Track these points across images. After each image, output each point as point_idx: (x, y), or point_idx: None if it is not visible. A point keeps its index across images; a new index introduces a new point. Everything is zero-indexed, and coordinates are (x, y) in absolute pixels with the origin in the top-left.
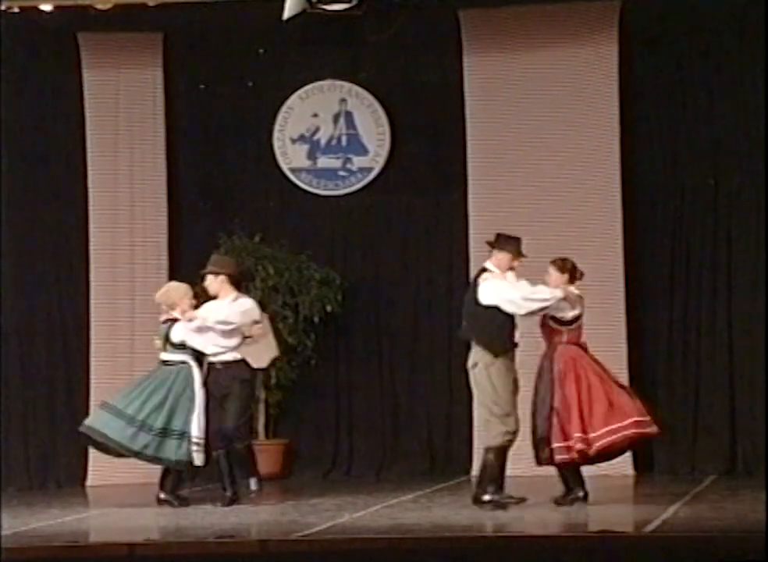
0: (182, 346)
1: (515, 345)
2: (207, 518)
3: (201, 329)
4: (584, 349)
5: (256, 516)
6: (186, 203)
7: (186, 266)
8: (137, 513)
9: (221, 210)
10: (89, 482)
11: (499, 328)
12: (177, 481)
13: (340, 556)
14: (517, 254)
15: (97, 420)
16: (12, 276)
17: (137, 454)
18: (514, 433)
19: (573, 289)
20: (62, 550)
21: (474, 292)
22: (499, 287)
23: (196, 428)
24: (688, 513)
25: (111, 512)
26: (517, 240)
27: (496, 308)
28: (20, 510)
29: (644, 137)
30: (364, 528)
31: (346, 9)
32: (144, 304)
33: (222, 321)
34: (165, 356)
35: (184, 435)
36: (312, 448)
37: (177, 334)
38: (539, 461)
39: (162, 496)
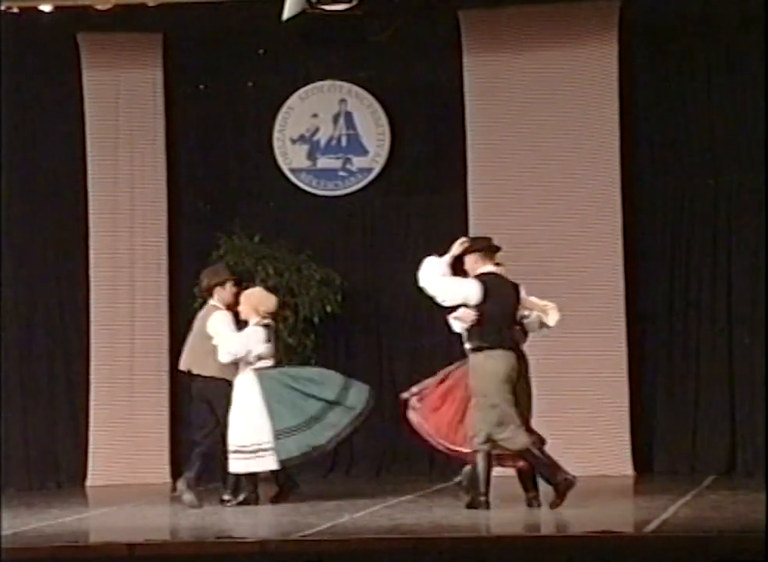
0: None
1: None
2: (207, 518)
3: None
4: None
5: (256, 516)
6: (186, 203)
7: (186, 266)
8: (137, 513)
9: (221, 210)
10: (89, 482)
11: None
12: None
13: (340, 557)
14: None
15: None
16: (12, 276)
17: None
18: None
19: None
20: (62, 550)
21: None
22: None
23: None
24: (687, 513)
25: (111, 512)
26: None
27: None
28: (20, 510)
29: (644, 137)
30: (364, 528)
31: (345, 9)
32: (144, 305)
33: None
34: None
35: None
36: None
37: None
38: None
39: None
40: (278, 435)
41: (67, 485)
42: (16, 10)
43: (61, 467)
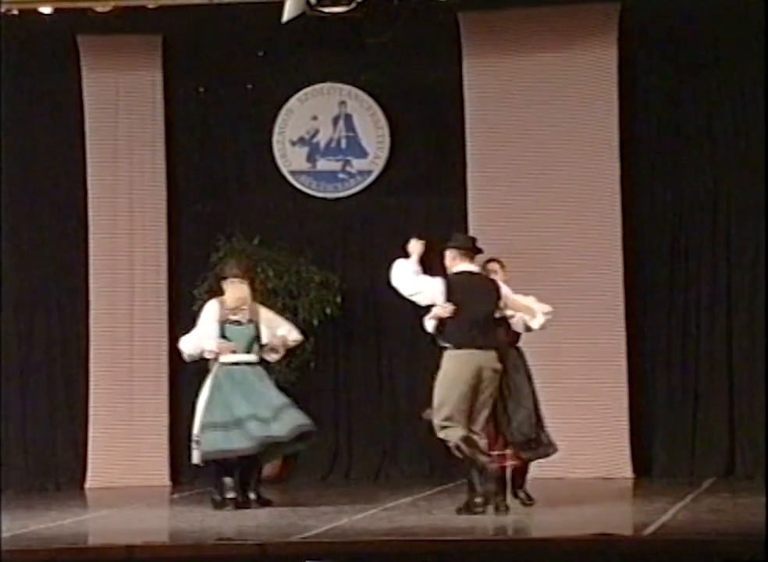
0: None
1: None
2: (206, 521)
3: None
4: None
5: (255, 519)
6: (186, 205)
7: (185, 268)
8: (136, 516)
9: (220, 212)
10: (88, 484)
11: None
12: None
13: (339, 559)
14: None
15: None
16: (11, 278)
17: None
18: None
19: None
20: (60, 553)
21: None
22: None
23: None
24: (687, 516)
25: (110, 514)
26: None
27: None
28: (19, 513)
29: (643, 139)
30: (363, 530)
31: (345, 12)
32: (143, 307)
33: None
34: (248, 357)
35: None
36: (311, 450)
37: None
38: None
39: (252, 495)
40: (204, 427)
41: (66, 487)
42: (15, 12)
43: (60, 469)
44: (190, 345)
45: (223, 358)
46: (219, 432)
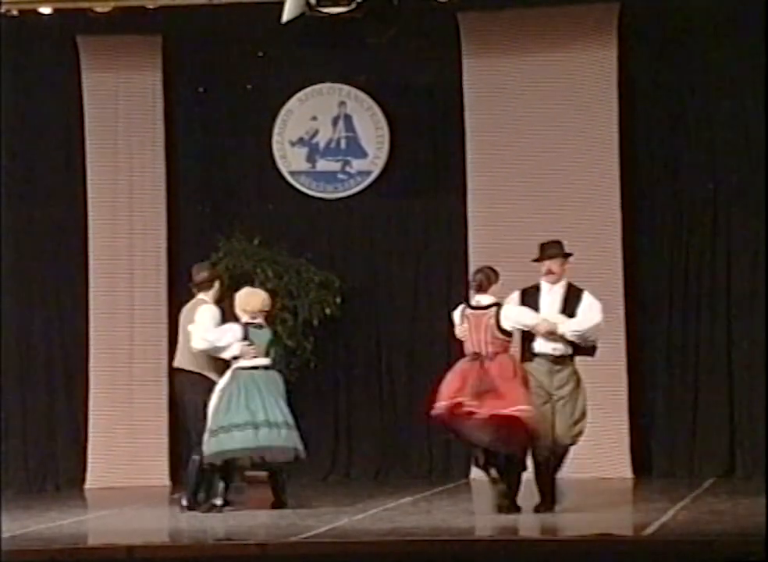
0: None
1: None
2: (206, 521)
3: None
4: None
5: (255, 519)
6: (186, 206)
7: (185, 269)
8: (136, 516)
9: (220, 213)
10: (88, 485)
11: None
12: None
13: (339, 560)
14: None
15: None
16: (11, 279)
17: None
18: None
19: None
20: (60, 553)
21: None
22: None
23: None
24: (686, 517)
25: (110, 514)
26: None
27: None
28: (19, 513)
29: (643, 140)
30: (363, 531)
31: (345, 12)
32: (143, 307)
33: None
34: (263, 361)
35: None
36: (311, 451)
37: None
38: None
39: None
40: (215, 431)
41: (66, 487)
42: (15, 13)
43: (60, 470)
44: (214, 335)
45: (238, 363)
46: (235, 432)
